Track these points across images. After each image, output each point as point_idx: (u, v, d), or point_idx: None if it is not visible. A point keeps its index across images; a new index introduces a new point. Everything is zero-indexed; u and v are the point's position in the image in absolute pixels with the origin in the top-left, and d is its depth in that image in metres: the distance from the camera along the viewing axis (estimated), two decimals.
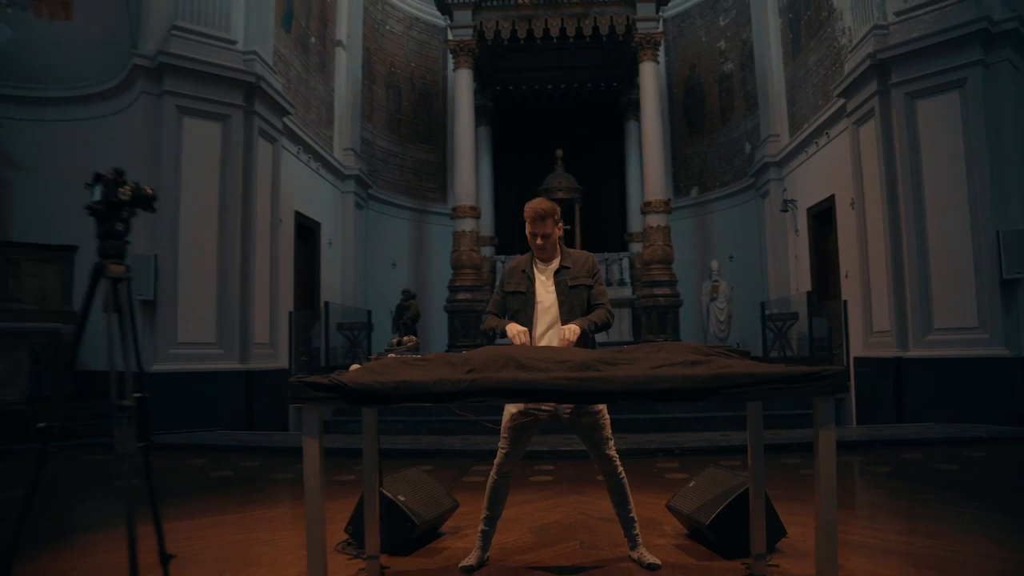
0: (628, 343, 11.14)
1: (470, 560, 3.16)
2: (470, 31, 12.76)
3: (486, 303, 10.78)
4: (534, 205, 3.33)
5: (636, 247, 14.25)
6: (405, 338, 3.36)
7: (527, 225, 3.34)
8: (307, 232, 11.64)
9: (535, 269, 3.33)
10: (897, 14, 8.58)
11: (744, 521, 3.18)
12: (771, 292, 13.23)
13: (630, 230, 15.31)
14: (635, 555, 3.21)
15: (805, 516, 3.48)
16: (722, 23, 15.78)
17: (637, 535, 3.25)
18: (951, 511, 4.25)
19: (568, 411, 3.07)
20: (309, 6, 12.00)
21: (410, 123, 16.70)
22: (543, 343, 3.16)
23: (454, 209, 12.83)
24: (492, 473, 3.21)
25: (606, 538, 3.63)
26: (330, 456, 6.50)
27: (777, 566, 3.13)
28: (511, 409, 3.11)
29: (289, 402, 2.40)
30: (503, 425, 3.19)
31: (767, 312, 11.80)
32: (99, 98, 9.01)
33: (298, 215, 10.96)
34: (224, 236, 8.56)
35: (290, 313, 10.22)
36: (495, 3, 12.73)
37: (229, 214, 8.61)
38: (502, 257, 14.05)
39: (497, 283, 3.49)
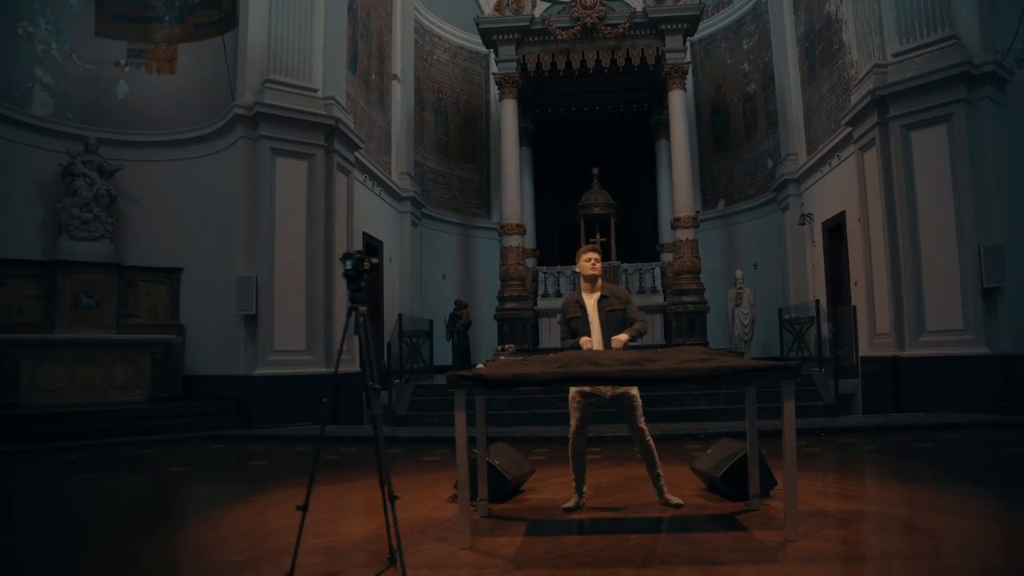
0: (660, 346, 12.45)
1: (570, 504, 4.48)
2: (514, 64, 14.15)
3: (531, 311, 12.16)
4: (593, 245, 4.70)
5: (667, 257, 15.42)
6: (508, 346, 4.67)
7: (587, 255, 4.64)
8: (372, 250, 13.10)
9: (585, 299, 4.64)
10: (894, 55, 9.78)
11: (744, 474, 4.50)
12: (791, 298, 14.39)
13: (661, 241, 16.51)
14: (663, 499, 4.53)
15: (774, 468, 4.77)
16: (745, 47, 16.96)
17: (663, 487, 4.57)
18: (909, 474, 5.51)
19: (611, 393, 4.40)
20: (370, 46, 13.49)
21: (456, 145, 18.15)
22: (596, 347, 4.50)
23: (502, 227, 14.23)
24: (571, 445, 4.55)
25: (644, 492, 4.94)
26: (410, 443, 7.90)
27: (768, 502, 4.42)
28: (574, 391, 4.45)
29: (448, 387, 3.75)
30: (571, 405, 4.53)
31: (786, 317, 13.01)
32: (200, 141, 10.57)
33: (365, 235, 12.41)
34: (310, 258, 10.05)
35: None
36: (536, 38, 14.10)
37: (314, 239, 10.10)
38: (544, 268, 15.25)
39: (559, 317, 4.80)
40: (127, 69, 10.96)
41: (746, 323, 14.72)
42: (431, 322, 13.73)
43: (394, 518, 3.10)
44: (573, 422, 4.52)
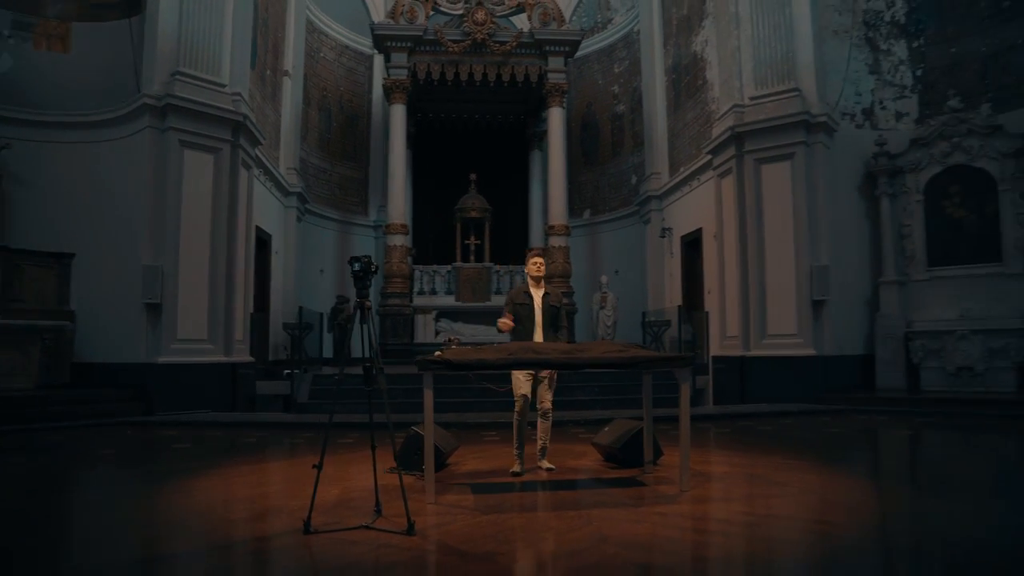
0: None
1: (516, 469, 5.31)
2: (405, 71, 14.79)
3: (410, 308, 12.86)
4: (538, 248, 5.66)
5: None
6: (454, 338, 5.42)
7: (533, 259, 5.55)
8: (261, 243, 13.30)
9: (532, 291, 5.55)
10: (751, 98, 11.38)
11: (640, 446, 5.54)
12: (650, 303, 15.97)
13: (531, 245, 17.61)
14: (542, 464, 5.53)
15: (674, 449, 5.88)
16: (617, 70, 18.47)
17: (547, 454, 5.57)
18: (759, 448, 6.82)
19: (546, 376, 5.32)
20: (267, 42, 13.68)
21: (338, 143, 18.47)
22: (537, 333, 5.39)
23: (387, 226, 14.83)
24: (515, 419, 5.40)
25: (532, 460, 5.87)
26: (320, 428, 8.41)
27: (657, 468, 5.49)
28: (519, 375, 5.32)
29: (420, 369, 4.49)
30: (513, 386, 5.39)
31: (646, 320, 14.52)
32: (100, 126, 10.38)
33: (257, 229, 12.62)
34: (215, 250, 10.25)
35: (251, 315, 11.90)
36: (428, 48, 14.81)
37: (218, 232, 10.31)
38: (420, 267, 15.92)
39: (507, 298, 5.69)
40: (12, 42, 10.60)
41: (609, 324, 16.15)
42: (322, 315, 14.10)
43: (400, 473, 3.83)
44: (519, 402, 5.38)
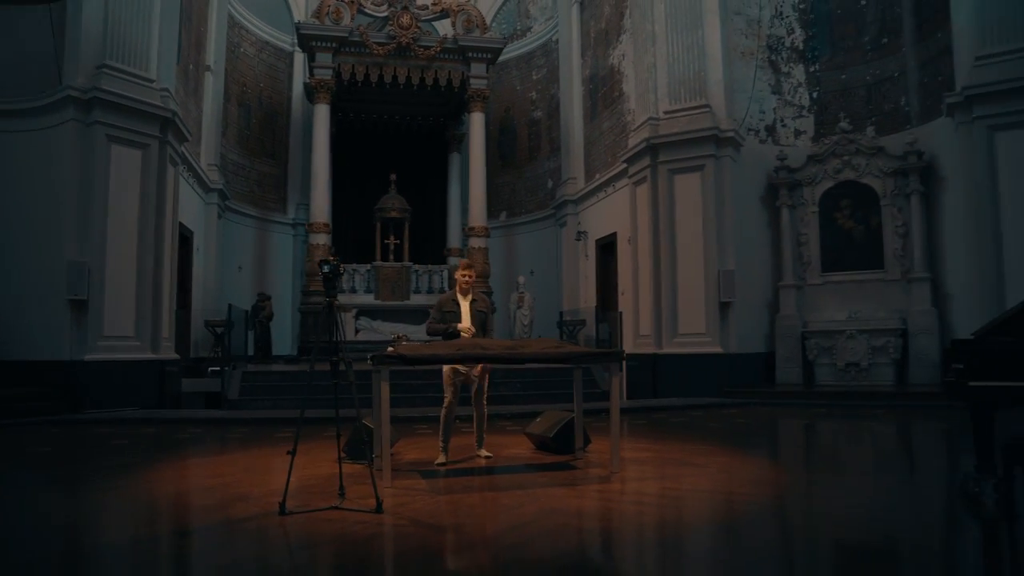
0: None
1: (441, 460, 5.71)
2: (329, 71, 14.94)
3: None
4: (466, 260, 6.03)
5: (454, 260, 16.87)
6: (402, 335, 5.79)
7: (461, 270, 5.95)
8: (183, 240, 13.17)
9: (459, 299, 5.94)
10: (665, 112, 12.18)
11: (570, 434, 6.08)
12: (565, 303, 16.66)
13: (449, 246, 18.02)
14: (480, 453, 5.97)
15: (601, 438, 6.44)
16: (535, 77, 19.09)
17: (483, 443, 6.01)
18: (674, 436, 7.49)
19: (477, 372, 5.75)
20: (190, 36, 13.55)
21: (257, 139, 18.33)
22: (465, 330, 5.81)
23: (310, 225, 14.96)
24: (443, 413, 5.80)
25: (470, 450, 6.30)
26: (254, 423, 8.60)
27: (586, 454, 6.04)
28: (447, 370, 5.71)
29: (376, 364, 4.85)
30: (444, 381, 5.80)
31: (563, 319, 15.19)
32: (15, 115, 10.04)
33: (180, 226, 12.53)
34: (142, 246, 10.18)
35: (176, 311, 11.84)
36: (353, 49, 15.01)
37: (146, 228, 10.24)
38: (341, 266, 16.04)
39: (436, 305, 6.06)
40: None
41: (526, 323, 16.73)
42: (247, 312, 14.06)
43: (370, 458, 4.20)
44: (448, 397, 5.79)
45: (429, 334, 6.02)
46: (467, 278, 5.97)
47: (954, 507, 4.01)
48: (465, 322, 5.84)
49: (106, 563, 3.32)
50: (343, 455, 5.98)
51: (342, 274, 4.37)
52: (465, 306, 5.93)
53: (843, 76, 12.71)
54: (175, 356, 11.14)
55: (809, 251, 12.23)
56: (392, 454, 6.31)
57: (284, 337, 17.25)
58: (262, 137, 18.54)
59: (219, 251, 15.51)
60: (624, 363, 12.92)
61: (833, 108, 12.72)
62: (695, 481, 5.00)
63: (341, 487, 4.35)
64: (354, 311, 15.48)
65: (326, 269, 4.33)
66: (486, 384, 5.93)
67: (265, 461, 6.17)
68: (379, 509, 3.96)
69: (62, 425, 8.56)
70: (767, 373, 12.22)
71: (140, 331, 10.12)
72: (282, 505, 3.99)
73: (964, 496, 4.02)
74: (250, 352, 14.93)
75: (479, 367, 5.72)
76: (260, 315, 15.40)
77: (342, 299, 15.28)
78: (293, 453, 4.18)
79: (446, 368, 5.73)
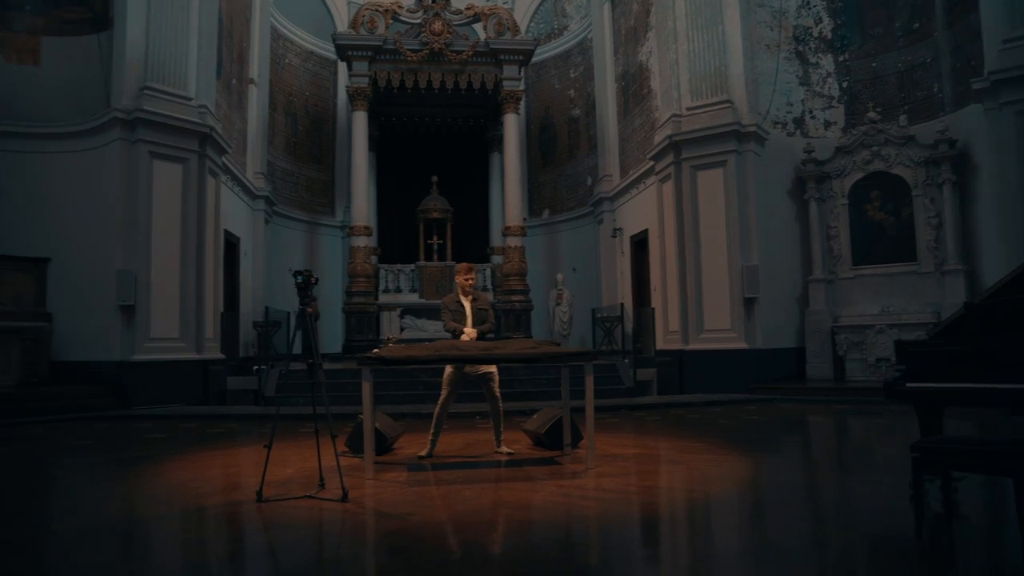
0: (502, 338, 14.35)
1: (423, 453, 6.07)
2: (366, 79, 15.44)
3: (375, 306, 13.63)
4: (466, 264, 6.35)
5: (497, 259, 17.19)
6: (391, 336, 6.15)
7: (462, 274, 6.28)
8: (230, 246, 13.91)
9: (462, 299, 6.29)
10: (688, 109, 12.22)
11: (560, 431, 6.32)
12: (604, 299, 16.80)
13: (492, 244, 18.35)
14: (500, 450, 6.26)
15: (611, 433, 6.66)
16: (572, 75, 19.24)
17: (502, 440, 6.30)
18: (678, 433, 7.63)
19: (477, 370, 6.06)
20: (232, 52, 14.25)
21: (304, 146, 19.05)
22: (467, 334, 6.13)
23: (351, 228, 15.52)
24: (437, 409, 6.14)
25: (487, 445, 6.64)
26: (284, 419, 9.11)
27: (576, 450, 6.27)
28: (448, 369, 6.06)
29: (359, 365, 5.22)
30: (444, 380, 6.13)
31: (598, 316, 15.35)
32: (72, 136, 10.90)
33: (225, 233, 13.24)
34: (184, 254, 10.89)
35: (222, 314, 12.54)
36: (388, 57, 15.47)
37: (188, 237, 10.94)
38: (385, 266, 16.55)
39: (442, 307, 6.43)
40: None
41: (565, 320, 16.96)
42: (289, 314, 14.71)
43: (336, 451, 4.57)
44: (444, 393, 6.13)
45: (446, 330, 6.37)
46: (468, 281, 6.33)
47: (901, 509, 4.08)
48: (469, 324, 6.19)
49: (64, 543, 3.74)
50: (347, 449, 6.43)
51: (315, 283, 4.73)
52: (468, 305, 6.30)
53: (874, 64, 12.49)
54: (220, 356, 11.81)
55: (839, 244, 12.09)
56: (394, 449, 6.73)
57: (334, 336, 17.91)
58: (309, 144, 19.25)
59: (267, 255, 16.23)
60: (655, 360, 13.25)
61: (864, 97, 12.51)
62: (663, 478, 5.20)
63: (321, 478, 4.73)
64: (399, 310, 15.96)
65: (299, 280, 4.71)
66: (495, 384, 6.20)
67: (278, 454, 6.59)
68: (345, 498, 4.32)
69: (110, 420, 9.27)
70: (798, 369, 12.15)
71: (184, 333, 10.82)
72: (259, 493, 4.39)
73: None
74: (297, 351, 15.60)
75: (479, 368, 6.03)
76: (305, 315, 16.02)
77: (387, 299, 16.07)
78: (269, 447, 4.58)
79: (447, 367, 6.06)
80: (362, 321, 15.19)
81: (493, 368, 6.07)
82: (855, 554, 3.36)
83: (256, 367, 12.44)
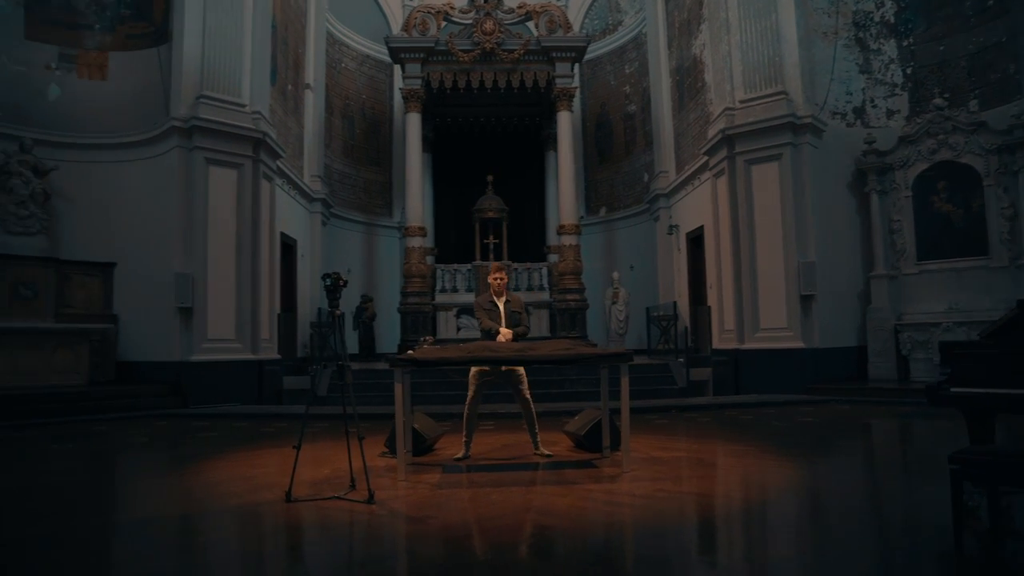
0: (545, 338, 14.28)
1: (459, 455, 6.07)
2: (419, 81, 15.56)
3: (431, 305, 13.73)
4: (497, 263, 6.31)
5: (553, 258, 17.11)
6: (428, 338, 6.19)
7: (493, 273, 6.25)
8: (287, 248, 14.24)
9: (496, 300, 6.26)
10: (741, 101, 11.89)
11: (600, 434, 6.22)
12: (661, 297, 16.53)
13: (548, 243, 18.28)
14: (537, 452, 6.20)
15: (631, 434, 6.53)
16: (628, 71, 19.02)
17: (538, 442, 6.23)
18: (725, 436, 7.42)
19: (506, 371, 6.02)
20: (287, 59, 14.58)
21: (361, 148, 19.37)
22: (503, 334, 6.09)
23: (406, 229, 15.67)
24: (466, 410, 6.13)
25: (526, 447, 6.59)
26: (334, 418, 9.24)
27: (617, 452, 6.16)
28: (474, 370, 6.03)
29: (390, 366, 5.25)
30: (470, 380, 6.11)
31: (654, 314, 15.11)
32: (134, 146, 11.40)
33: (282, 235, 13.55)
34: (240, 257, 11.19)
35: (279, 315, 12.84)
36: (440, 58, 15.56)
37: (243, 240, 11.24)
38: (442, 266, 16.67)
39: (475, 307, 6.41)
40: (58, 73, 11.66)
41: (621, 319, 16.74)
42: (343, 315, 14.96)
43: (362, 453, 4.60)
44: (471, 393, 6.11)
45: (481, 330, 6.37)
46: (499, 281, 6.29)
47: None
48: (503, 324, 6.15)
49: (83, 539, 3.85)
50: (387, 450, 6.48)
51: (343, 286, 4.77)
52: (501, 306, 6.26)
53: (941, 47, 11.89)
54: (276, 356, 12.09)
55: (903, 239, 11.58)
56: (435, 449, 6.75)
57: (393, 336, 18.13)
58: (366, 146, 19.55)
59: (324, 257, 16.53)
60: (711, 360, 12.96)
61: (930, 83, 11.94)
62: (698, 483, 5.05)
63: (352, 479, 4.77)
64: (455, 310, 16.04)
65: (327, 283, 4.75)
66: (524, 386, 6.14)
67: (318, 453, 6.72)
68: (370, 500, 4.34)
69: (168, 419, 9.59)
70: (859, 369, 11.69)
71: (240, 334, 11.11)
72: (288, 493, 4.46)
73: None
74: (354, 351, 15.90)
75: (507, 368, 5.99)
76: (363, 315, 16.34)
77: (443, 298, 16.18)
78: (298, 447, 4.64)
79: (472, 368, 6.05)
80: (417, 321, 15.32)
81: (520, 369, 6.01)
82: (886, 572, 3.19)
83: (311, 367, 12.70)
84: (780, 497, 4.71)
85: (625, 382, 5.32)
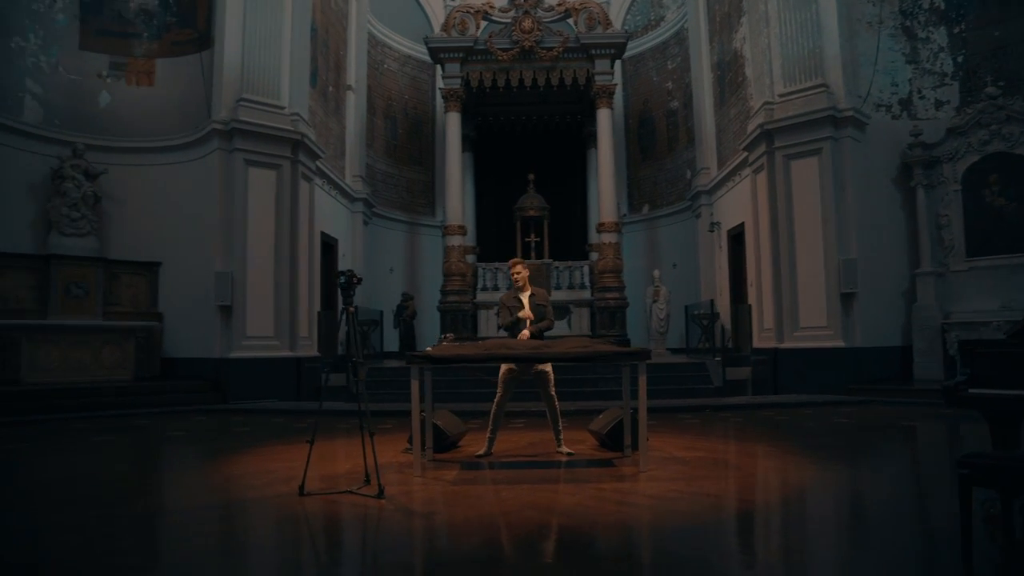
0: (588, 335, 14.22)
1: (481, 452, 6.10)
2: (458, 80, 15.64)
3: (471, 303, 13.81)
4: (516, 259, 6.31)
5: (595, 256, 17.05)
6: (448, 335, 6.23)
7: (515, 270, 6.25)
8: (328, 247, 14.49)
9: (520, 295, 6.26)
10: (780, 95, 11.65)
11: (621, 433, 6.18)
12: (702, 296, 16.30)
13: (590, 241, 18.19)
14: (560, 450, 6.18)
15: (658, 434, 6.47)
16: (670, 67, 18.78)
17: (561, 440, 6.21)
18: (754, 436, 7.29)
19: (533, 369, 6.02)
20: (328, 61, 14.82)
21: (404, 148, 19.56)
22: (523, 333, 6.09)
23: (445, 228, 15.78)
24: (493, 408, 6.15)
25: (549, 446, 6.58)
26: (357, 416, 9.39)
27: (637, 453, 6.11)
28: (503, 368, 6.05)
29: (406, 364, 5.30)
30: (499, 378, 6.13)
31: (694, 313, 14.90)
32: (178, 149, 11.76)
33: (322, 235, 13.79)
34: (278, 256, 11.43)
35: (319, 313, 13.07)
36: (479, 58, 15.61)
37: (281, 240, 11.48)
38: (483, 264, 16.77)
39: (501, 302, 6.43)
40: (108, 80, 12.08)
41: (662, 317, 16.54)
42: (381, 313, 15.19)
43: (373, 448, 4.66)
44: (499, 391, 6.13)
45: (501, 328, 6.39)
46: (515, 275, 6.30)
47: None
48: (527, 311, 6.16)
49: (80, 526, 3.98)
50: (409, 446, 6.54)
51: (357, 283, 4.85)
52: (525, 299, 6.29)
53: (996, 33, 11.41)
54: (315, 353, 12.32)
55: (951, 234, 11.18)
56: (459, 446, 6.79)
57: (434, 335, 18.28)
58: (409, 146, 19.74)
59: (366, 256, 16.76)
60: (750, 358, 12.72)
61: (983, 72, 11.48)
62: (713, 485, 4.96)
63: (367, 475, 4.84)
64: (496, 308, 16.05)
65: (341, 281, 4.82)
66: (551, 384, 6.15)
67: (342, 450, 6.84)
68: (380, 495, 4.40)
69: (208, 414, 9.87)
70: (903, 369, 11.33)
71: (279, 331, 11.36)
72: (301, 487, 4.55)
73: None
74: (393, 348, 16.09)
75: (534, 367, 5.99)
76: (404, 314, 16.52)
77: (485, 297, 16.24)
78: (311, 442, 4.73)
79: (502, 366, 6.06)
80: (457, 319, 15.40)
81: (548, 367, 6.00)
82: None
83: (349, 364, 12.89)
84: (793, 501, 4.61)
85: (643, 381, 5.26)
